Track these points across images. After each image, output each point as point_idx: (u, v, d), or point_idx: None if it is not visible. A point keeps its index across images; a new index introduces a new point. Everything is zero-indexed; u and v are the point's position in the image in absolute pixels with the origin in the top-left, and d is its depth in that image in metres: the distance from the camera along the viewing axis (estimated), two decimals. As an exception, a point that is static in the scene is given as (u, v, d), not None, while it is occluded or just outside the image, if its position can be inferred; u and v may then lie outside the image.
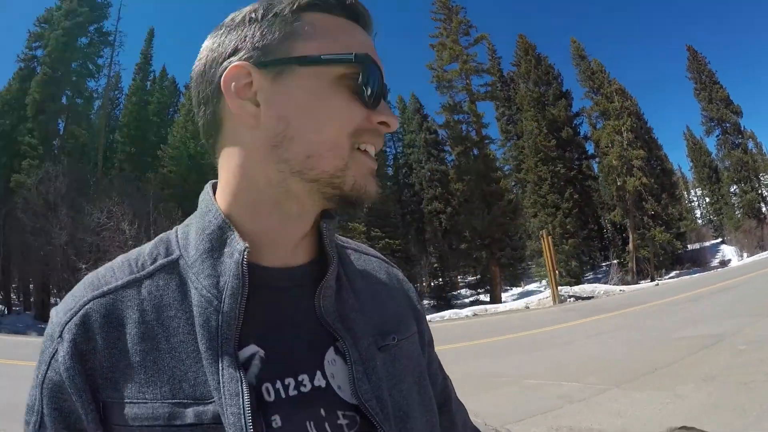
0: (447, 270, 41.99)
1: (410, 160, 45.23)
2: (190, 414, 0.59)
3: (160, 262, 0.68)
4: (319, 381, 0.67)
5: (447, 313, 22.32)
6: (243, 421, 0.58)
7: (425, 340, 0.91)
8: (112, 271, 0.68)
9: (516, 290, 37.61)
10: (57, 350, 0.63)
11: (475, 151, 36.72)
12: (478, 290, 38.74)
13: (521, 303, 23.11)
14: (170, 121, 35.41)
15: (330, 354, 0.69)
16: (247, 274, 0.64)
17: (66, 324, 0.63)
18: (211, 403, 0.59)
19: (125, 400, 0.60)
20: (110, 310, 0.64)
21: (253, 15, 0.66)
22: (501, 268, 35.07)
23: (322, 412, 0.66)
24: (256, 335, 0.65)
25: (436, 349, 0.96)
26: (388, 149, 46.33)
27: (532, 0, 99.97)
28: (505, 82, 45.92)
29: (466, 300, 36.71)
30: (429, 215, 40.66)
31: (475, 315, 21.17)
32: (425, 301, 31.66)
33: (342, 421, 0.67)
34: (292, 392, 0.65)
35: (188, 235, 0.70)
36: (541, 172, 38.14)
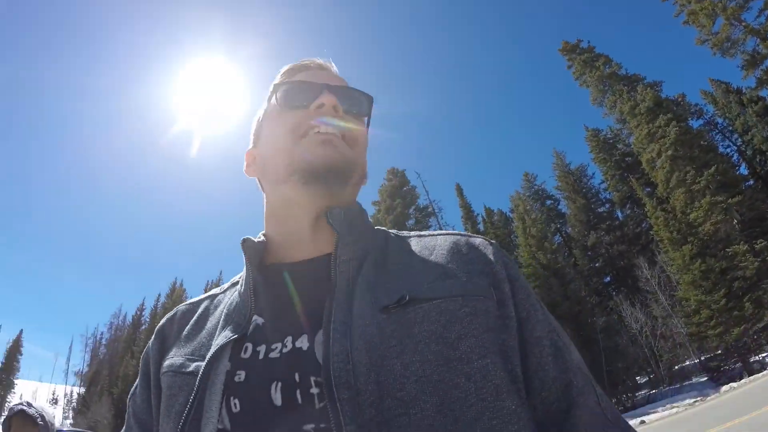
0: None
1: (755, 143, 36.13)
2: (192, 366, 0.78)
3: (231, 282, 0.98)
4: (301, 343, 0.72)
5: None
6: (206, 360, 0.74)
7: (508, 311, 0.78)
8: (206, 293, 1.00)
9: None
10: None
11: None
12: None
13: None
14: (514, 246, 38.21)
15: None
16: (246, 258, 0.87)
17: (162, 320, 0.97)
18: None
19: (168, 356, 0.87)
20: (189, 310, 0.96)
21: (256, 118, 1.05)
22: None
23: (297, 377, 0.69)
24: (264, 310, 0.82)
25: None
26: (727, 149, 38.09)
27: None
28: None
29: None
30: None
31: None
32: None
33: (314, 390, 0.67)
34: (273, 354, 0.73)
35: None
36: None
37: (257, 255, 0.88)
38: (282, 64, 1.05)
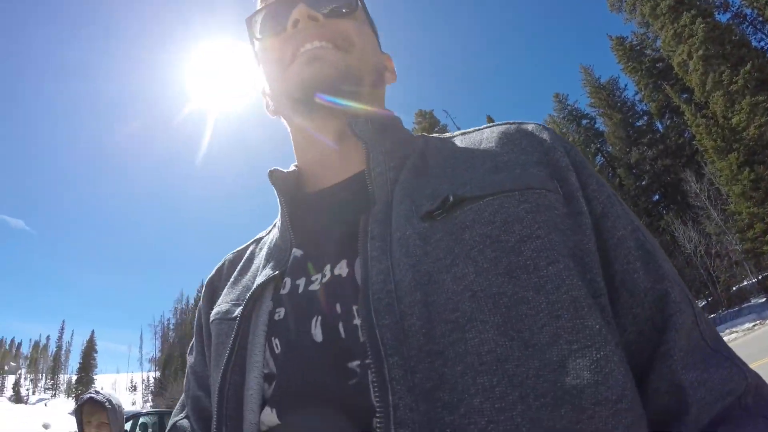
0: None
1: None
2: (237, 311, 0.74)
3: (275, 222, 0.93)
4: (340, 269, 0.65)
5: None
6: (245, 302, 0.72)
7: (579, 206, 0.64)
8: (253, 238, 0.99)
9: None
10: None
11: None
12: None
13: None
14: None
15: None
16: (276, 190, 0.81)
17: (211, 273, 0.98)
18: None
19: (215, 304, 0.85)
20: (235, 257, 0.96)
21: None
22: None
23: (338, 308, 0.62)
24: (302, 242, 0.76)
25: None
26: (760, 42, 34.23)
27: None
28: None
29: None
30: None
31: None
32: None
33: (357, 321, 0.59)
34: (313, 286, 0.67)
35: None
36: None
37: (288, 185, 0.83)
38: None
